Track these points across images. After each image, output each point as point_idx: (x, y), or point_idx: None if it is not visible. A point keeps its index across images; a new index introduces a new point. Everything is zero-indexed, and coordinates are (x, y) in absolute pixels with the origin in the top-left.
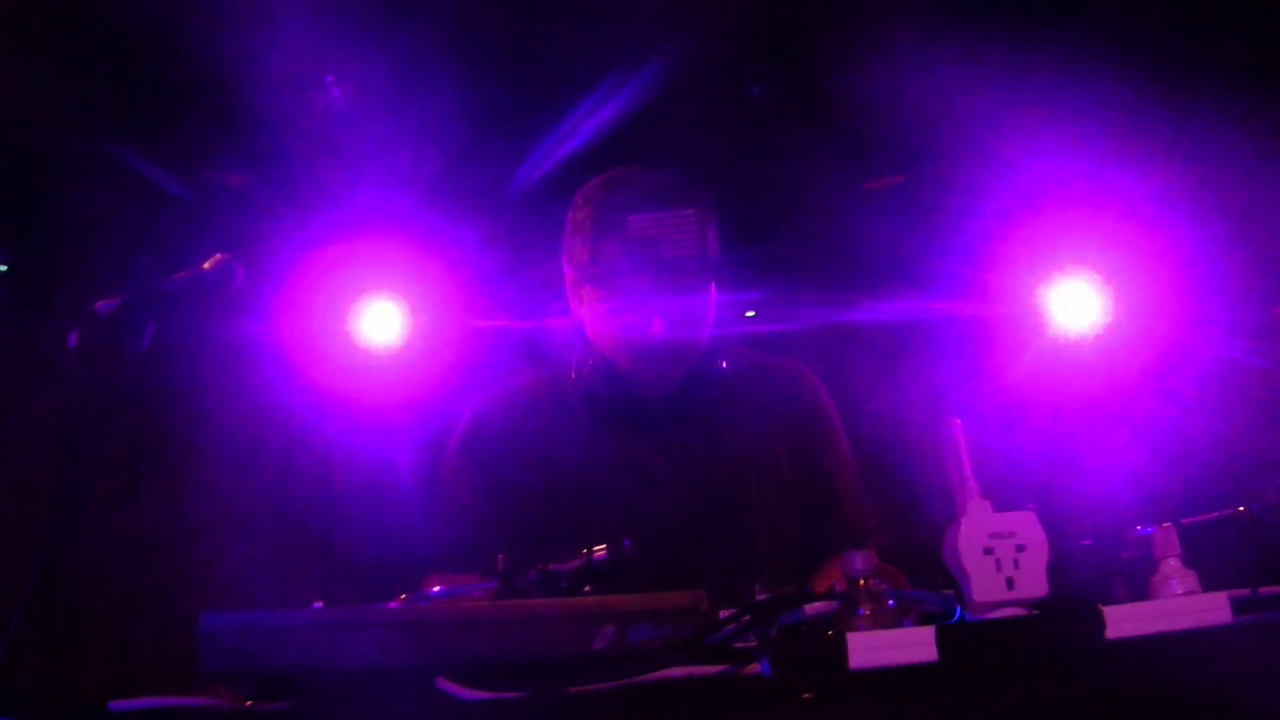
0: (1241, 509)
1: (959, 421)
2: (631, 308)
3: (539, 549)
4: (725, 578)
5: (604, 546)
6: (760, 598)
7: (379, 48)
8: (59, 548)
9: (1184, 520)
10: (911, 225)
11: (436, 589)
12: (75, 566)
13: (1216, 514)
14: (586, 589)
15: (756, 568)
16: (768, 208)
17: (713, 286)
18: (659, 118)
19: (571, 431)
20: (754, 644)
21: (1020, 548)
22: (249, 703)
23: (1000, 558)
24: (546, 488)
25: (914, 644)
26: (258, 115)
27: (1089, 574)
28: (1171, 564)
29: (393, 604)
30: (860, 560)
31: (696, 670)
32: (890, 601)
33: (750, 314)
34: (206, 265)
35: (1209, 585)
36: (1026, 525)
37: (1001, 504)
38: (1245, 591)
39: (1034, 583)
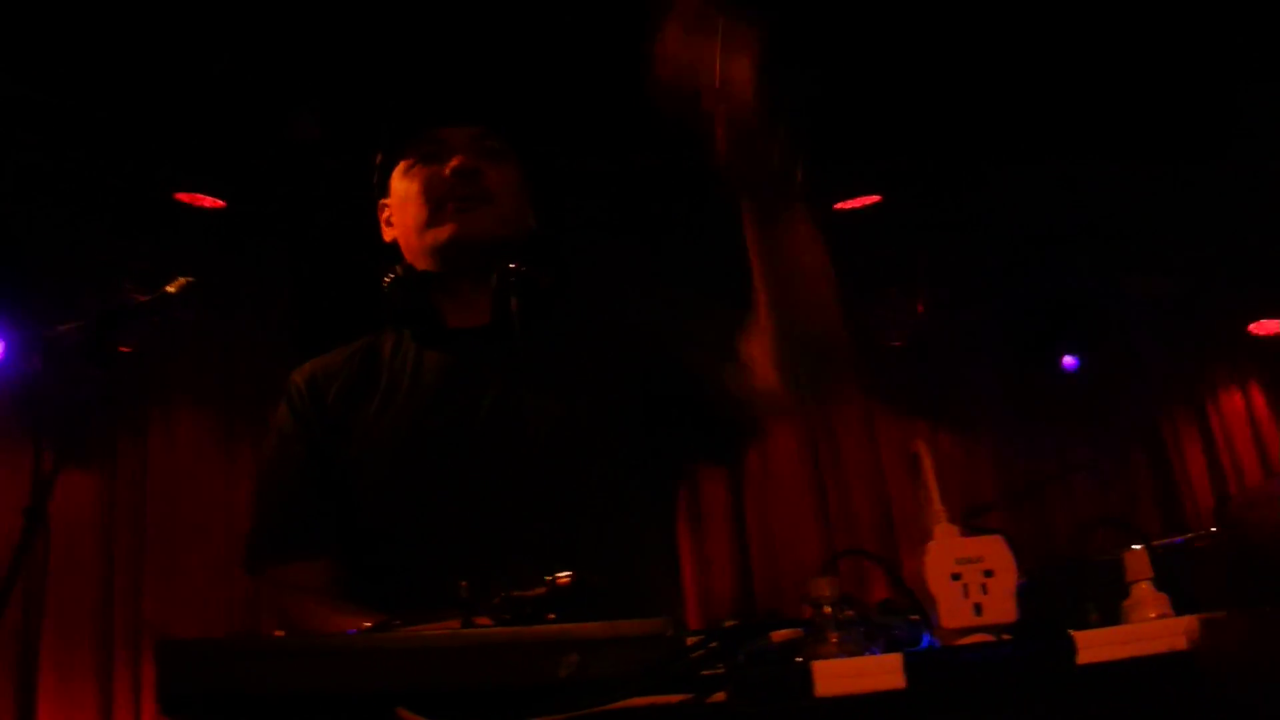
0: (1214, 531)
1: (925, 444)
2: (425, 153)
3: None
4: (498, 516)
5: (569, 574)
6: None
7: None
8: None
9: (1156, 543)
10: None
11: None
12: None
13: (1189, 536)
14: (550, 616)
15: (529, 505)
16: None
17: (513, 167)
18: None
19: (383, 362)
20: (719, 671)
21: (988, 573)
22: None
23: (968, 583)
24: (361, 420)
25: (881, 671)
26: None
27: (1059, 598)
28: (1143, 587)
29: (352, 631)
30: (826, 587)
31: (660, 699)
32: (857, 628)
33: None
34: (171, 288)
35: (1182, 609)
36: (995, 550)
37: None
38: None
39: (1003, 608)
